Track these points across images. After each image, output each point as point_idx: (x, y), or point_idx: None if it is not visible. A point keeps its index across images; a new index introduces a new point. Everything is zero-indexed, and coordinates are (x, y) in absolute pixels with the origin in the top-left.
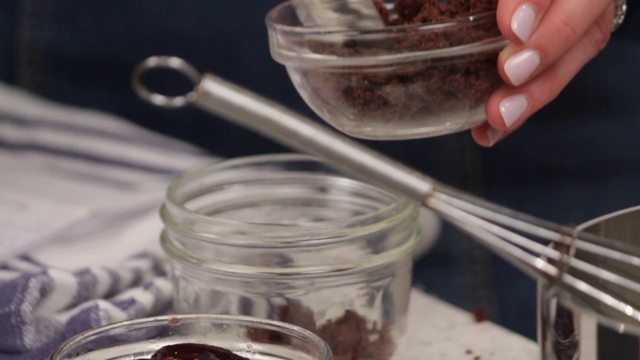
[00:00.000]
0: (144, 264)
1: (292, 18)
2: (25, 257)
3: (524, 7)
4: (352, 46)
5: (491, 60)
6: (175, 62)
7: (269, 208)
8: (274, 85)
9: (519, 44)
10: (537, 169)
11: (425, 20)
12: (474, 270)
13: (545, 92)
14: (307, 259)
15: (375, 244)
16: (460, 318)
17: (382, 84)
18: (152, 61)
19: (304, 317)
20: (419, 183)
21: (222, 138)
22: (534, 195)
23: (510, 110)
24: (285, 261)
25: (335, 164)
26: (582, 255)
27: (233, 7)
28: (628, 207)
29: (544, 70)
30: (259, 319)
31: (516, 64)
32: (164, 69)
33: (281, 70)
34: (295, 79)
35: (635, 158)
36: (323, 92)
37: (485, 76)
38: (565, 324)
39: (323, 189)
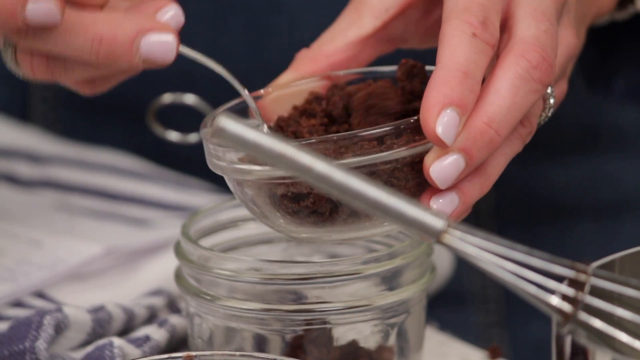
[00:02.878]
0: (158, 301)
1: None
2: (40, 294)
3: (448, 110)
4: None
5: (416, 162)
6: (189, 99)
7: (284, 245)
8: None
9: (444, 148)
10: (551, 206)
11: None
12: (487, 308)
13: (477, 188)
14: (321, 295)
15: (390, 280)
16: (474, 355)
17: (306, 194)
18: (167, 98)
19: (319, 354)
20: (433, 220)
21: None
22: (548, 232)
23: (442, 208)
24: (299, 298)
25: (350, 200)
26: (597, 292)
27: (243, 45)
28: None
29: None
30: (273, 356)
31: (441, 168)
32: (179, 106)
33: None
34: (230, 186)
35: None
36: (257, 200)
37: (412, 177)
38: None
39: None
